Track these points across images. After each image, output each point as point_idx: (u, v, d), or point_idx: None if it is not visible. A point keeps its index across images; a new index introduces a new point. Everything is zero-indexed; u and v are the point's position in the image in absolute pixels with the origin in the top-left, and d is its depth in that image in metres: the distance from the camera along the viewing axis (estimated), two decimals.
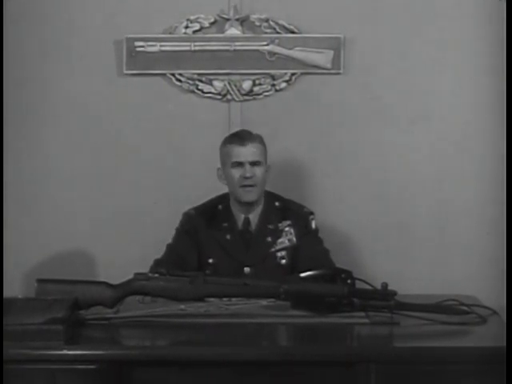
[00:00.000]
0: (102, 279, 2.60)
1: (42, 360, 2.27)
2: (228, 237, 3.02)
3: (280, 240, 3.03)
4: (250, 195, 2.99)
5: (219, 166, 3.05)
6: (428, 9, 3.44)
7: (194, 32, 3.46)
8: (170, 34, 3.46)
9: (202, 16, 3.45)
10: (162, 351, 2.33)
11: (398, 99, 3.47)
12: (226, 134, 3.10)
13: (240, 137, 3.02)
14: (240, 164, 2.97)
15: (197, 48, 3.44)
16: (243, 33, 3.45)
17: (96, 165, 3.51)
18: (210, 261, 3.00)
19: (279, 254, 3.03)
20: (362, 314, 2.52)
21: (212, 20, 3.46)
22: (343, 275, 2.58)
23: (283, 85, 3.47)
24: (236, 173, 2.98)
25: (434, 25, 3.44)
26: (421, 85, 3.46)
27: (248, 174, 2.96)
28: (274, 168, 3.08)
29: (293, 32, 3.44)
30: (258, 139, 3.03)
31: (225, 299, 2.62)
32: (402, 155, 3.49)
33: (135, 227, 3.49)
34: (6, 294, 3.09)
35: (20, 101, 3.48)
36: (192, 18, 3.45)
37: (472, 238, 3.49)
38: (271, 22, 3.44)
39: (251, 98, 3.48)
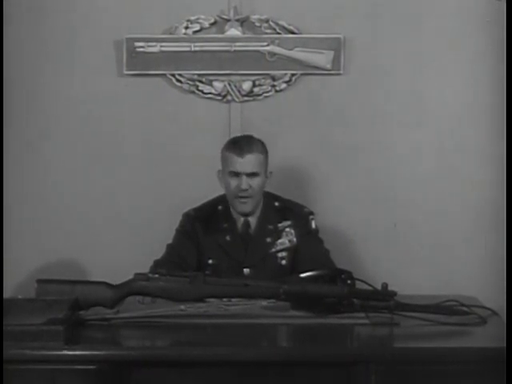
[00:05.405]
0: (101, 279, 2.59)
1: (42, 360, 2.26)
2: (228, 238, 3.01)
3: (280, 240, 3.02)
4: (244, 207, 2.97)
5: (221, 167, 3.02)
6: (428, 9, 3.44)
7: (194, 32, 3.46)
8: (170, 34, 3.46)
9: (203, 16, 3.45)
10: (161, 352, 2.33)
11: (398, 99, 3.47)
12: (227, 136, 3.08)
13: (239, 146, 2.94)
14: (237, 174, 2.93)
15: (197, 48, 3.44)
16: (243, 33, 3.45)
17: (96, 165, 3.51)
18: (210, 261, 3.00)
19: (280, 255, 3.02)
20: (362, 314, 2.51)
21: (212, 20, 3.46)
22: (343, 276, 2.58)
23: (283, 85, 3.46)
24: (232, 182, 2.94)
25: (434, 25, 3.44)
26: (421, 85, 3.46)
27: (244, 187, 2.92)
28: (274, 169, 3.07)
29: (293, 32, 3.44)
30: (259, 148, 2.96)
31: (225, 300, 2.62)
32: (403, 155, 3.49)
33: (135, 227, 3.49)
34: (6, 294, 3.10)
35: (20, 101, 3.48)
36: (192, 18, 3.45)
37: (472, 239, 3.49)
38: (271, 23, 3.43)
39: (251, 98, 3.48)
